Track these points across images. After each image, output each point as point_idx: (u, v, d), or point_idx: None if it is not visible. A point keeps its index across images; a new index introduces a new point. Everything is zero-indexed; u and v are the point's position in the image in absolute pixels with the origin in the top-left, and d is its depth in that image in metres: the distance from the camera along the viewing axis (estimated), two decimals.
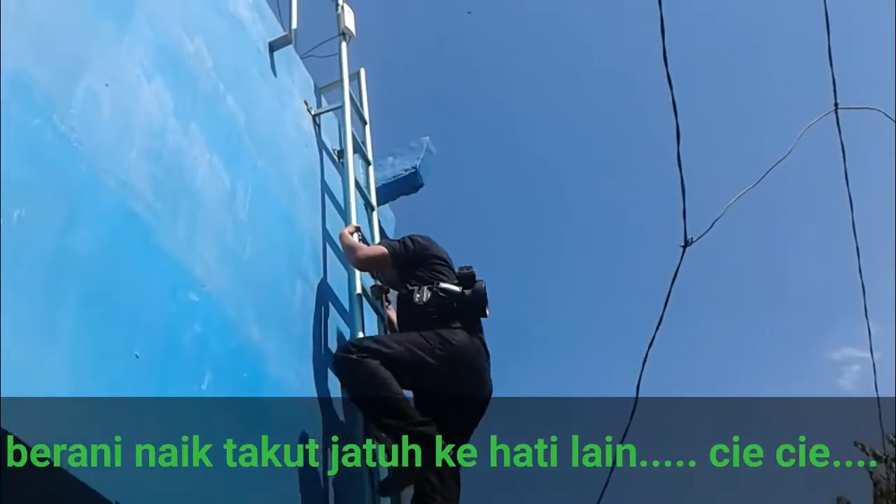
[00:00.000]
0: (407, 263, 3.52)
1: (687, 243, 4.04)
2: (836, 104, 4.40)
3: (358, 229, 3.72)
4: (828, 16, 4.05)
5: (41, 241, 1.92)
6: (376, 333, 3.60)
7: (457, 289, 3.33)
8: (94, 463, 1.83)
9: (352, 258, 3.62)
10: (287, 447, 2.84)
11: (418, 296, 3.33)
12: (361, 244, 3.62)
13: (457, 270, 3.47)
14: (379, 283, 3.80)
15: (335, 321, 3.65)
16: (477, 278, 3.38)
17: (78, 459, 1.79)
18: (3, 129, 1.88)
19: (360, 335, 3.36)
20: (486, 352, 3.35)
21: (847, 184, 4.68)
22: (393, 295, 3.80)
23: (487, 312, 3.35)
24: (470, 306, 3.32)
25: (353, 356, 3.02)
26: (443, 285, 3.34)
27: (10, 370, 1.69)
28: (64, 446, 1.77)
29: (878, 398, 5.84)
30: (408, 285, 3.43)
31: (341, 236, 3.68)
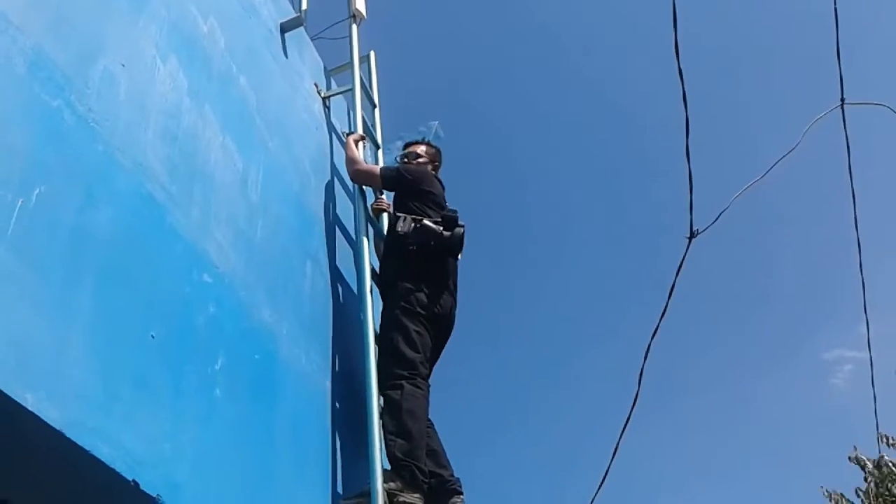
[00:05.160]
0: (399, 191, 3.87)
1: (693, 235, 4.05)
2: (842, 99, 4.39)
3: (363, 138, 4.09)
4: (837, 11, 4.03)
5: (60, 220, 1.92)
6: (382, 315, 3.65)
7: (438, 228, 3.55)
8: (110, 438, 1.85)
9: (348, 169, 3.95)
10: (295, 425, 2.87)
11: (402, 225, 3.57)
12: (361, 159, 3.95)
13: (444, 210, 3.69)
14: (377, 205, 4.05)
15: (344, 303, 3.67)
16: (459, 222, 3.60)
17: (94, 434, 1.81)
18: (24, 108, 1.89)
19: (370, 318, 3.38)
20: (455, 288, 3.66)
21: (851, 179, 4.67)
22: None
23: (460, 256, 3.65)
24: (446, 247, 3.56)
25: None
26: (426, 222, 3.57)
27: (29, 347, 1.71)
28: (79, 421, 1.78)
29: (874, 395, 5.84)
30: (397, 212, 3.69)
31: (346, 144, 4.01)
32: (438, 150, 4.19)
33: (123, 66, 2.36)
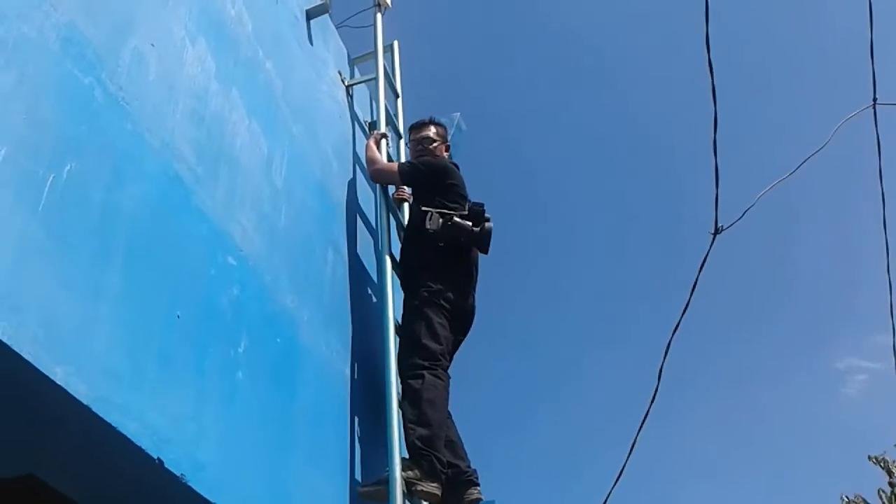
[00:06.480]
0: (419, 186, 3.81)
1: (717, 231, 4.01)
2: (874, 99, 4.33)
3: (385, 136, 4.04)
4: (872, 9, 3.98)
5: (89, 197, 1.92)
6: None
7: (468, 225, 3.50)
8: (136, 415, 1.85)
9: (368, 170, 3.95)
10: (314, 411, 2.87)
11: (431, 223, 3.51)
12: (380, 158, 3.91)
13: (469, 203, 3.62)
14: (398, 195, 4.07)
15: (364, 292, 3.67)
16: (486, 215, 3.56)
17: (120, 411, 1.81)
18: (56, 84, 1.89)
19: (389, 307, 3.38)
20: (475, 279, 3.68)
21: (881, 181, 4.62)
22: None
23: (488, 251, 3.59)
24: (475, 243, 3.54)
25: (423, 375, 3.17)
26: (456, 219, 3.51)
27: (59, 322, 1.71)
28: (107, 397, 1.78)
29: None
30: (421, 206, 3.61)
31: (367, 146, 3.97)
32: (445, 126, 4.18)
33: (153, 46, 2.36)
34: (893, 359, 5.36)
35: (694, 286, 4.19)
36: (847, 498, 7.81)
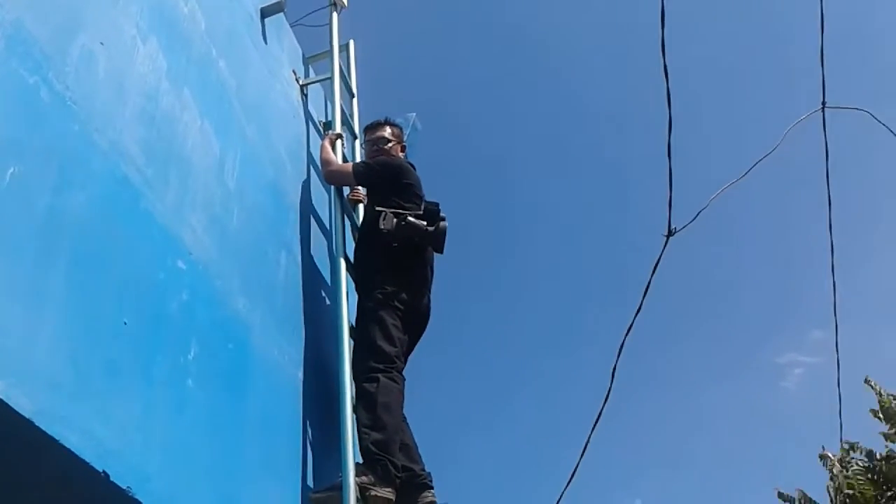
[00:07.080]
0: (374, 185, 3.79)
1: (670, 233, 4.06)
2: (823, 103, 4.41)
3: (340, 136, 4.01)
4: (823, 14, 4.06)
5: (34, 200, 1.86)
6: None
7: (422, 224, 3.48)
8: (80, 428, 1.80)
9: (323, 171, 3.90)
10: (266, 418, 2.83)
11: (384, 223, 3.46)
12: (335, 159, 3.87)
13: (424, 202, 3.60)
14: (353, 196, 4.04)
15: (318, 295, 3.63)
16: (441, 215, 3.53)
17: (64, 424, 1.75)
18: (0, 84, 1.81)
19: (344, 310, 3.35)
20: (431, 279, 3.67)
21: (828, 184, 4.71)
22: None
23: (443, 251, 3.57)
24: (430, 243, 3.53)
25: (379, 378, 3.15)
26: (410, 219, 3.48)
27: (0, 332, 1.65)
28: (50, 409, 1.72)
29: (839, 396, 5.92)
30: (375, 206, 3.57)
31: (321, 146, 3.92)
32: (401, 126, 4.17)
33: (102, 44, 2.29)
34: (833, 353, 5.49)
35: (647, 287, 4.24)
36: (781, 493, 7.88)
